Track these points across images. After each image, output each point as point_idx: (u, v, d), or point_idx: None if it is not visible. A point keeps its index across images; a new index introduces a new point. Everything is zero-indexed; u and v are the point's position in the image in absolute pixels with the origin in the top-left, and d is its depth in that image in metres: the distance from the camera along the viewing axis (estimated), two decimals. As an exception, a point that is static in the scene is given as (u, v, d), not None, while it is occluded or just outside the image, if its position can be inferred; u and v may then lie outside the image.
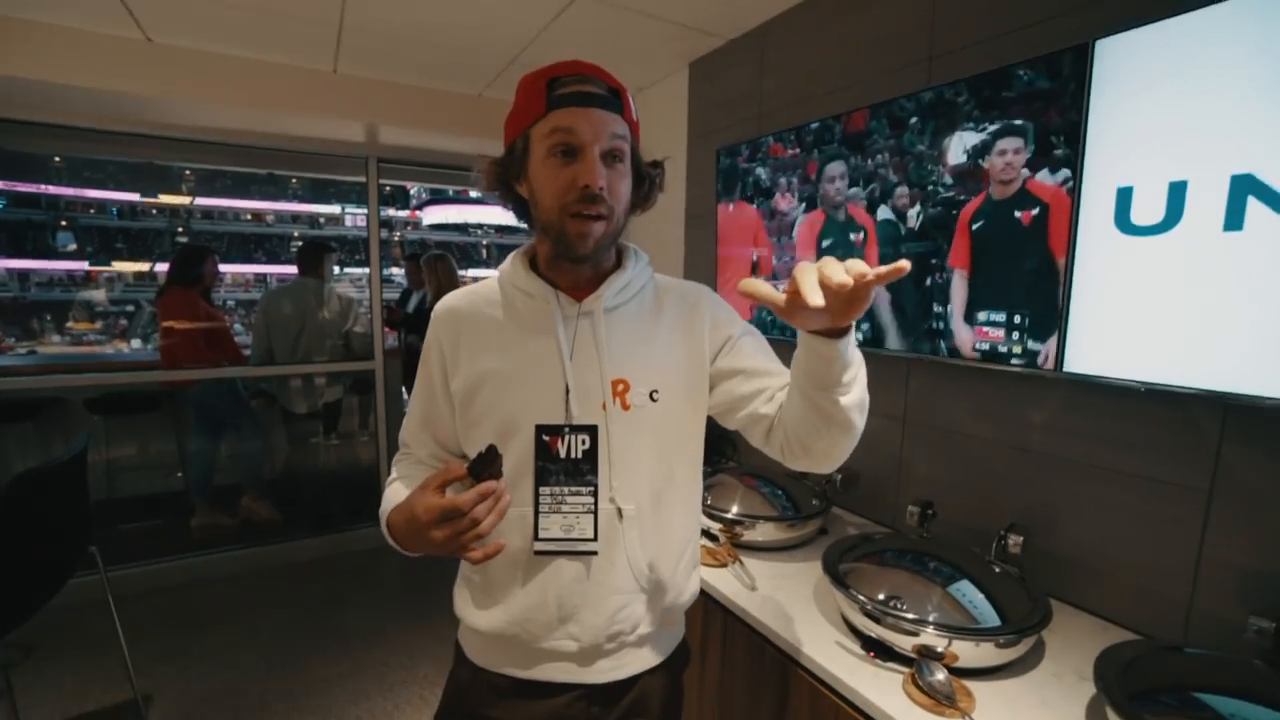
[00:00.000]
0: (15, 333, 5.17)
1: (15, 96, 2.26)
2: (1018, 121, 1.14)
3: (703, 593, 1.29)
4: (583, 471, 0.82)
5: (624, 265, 0.89)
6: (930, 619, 0.96)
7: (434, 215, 7.91)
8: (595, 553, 0.83)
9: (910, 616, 0.96)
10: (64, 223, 7.25)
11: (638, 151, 0.85)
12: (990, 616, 0.98)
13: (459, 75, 2.42)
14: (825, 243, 1.62)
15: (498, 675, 0.88)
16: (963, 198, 1.26)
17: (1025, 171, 1.14)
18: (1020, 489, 1.26)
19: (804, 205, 1.66)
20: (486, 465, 0.70)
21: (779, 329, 1.96)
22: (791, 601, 1.19)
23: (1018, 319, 1.18)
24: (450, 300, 0.91)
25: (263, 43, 2.16)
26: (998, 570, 1.11)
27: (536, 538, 0.82)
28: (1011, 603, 1.01)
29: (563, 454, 0.82)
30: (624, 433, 0.83)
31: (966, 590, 1.03)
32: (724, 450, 2.07)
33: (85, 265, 6.47)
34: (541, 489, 0.82)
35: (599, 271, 0.87)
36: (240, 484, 3.30)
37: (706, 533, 1.45)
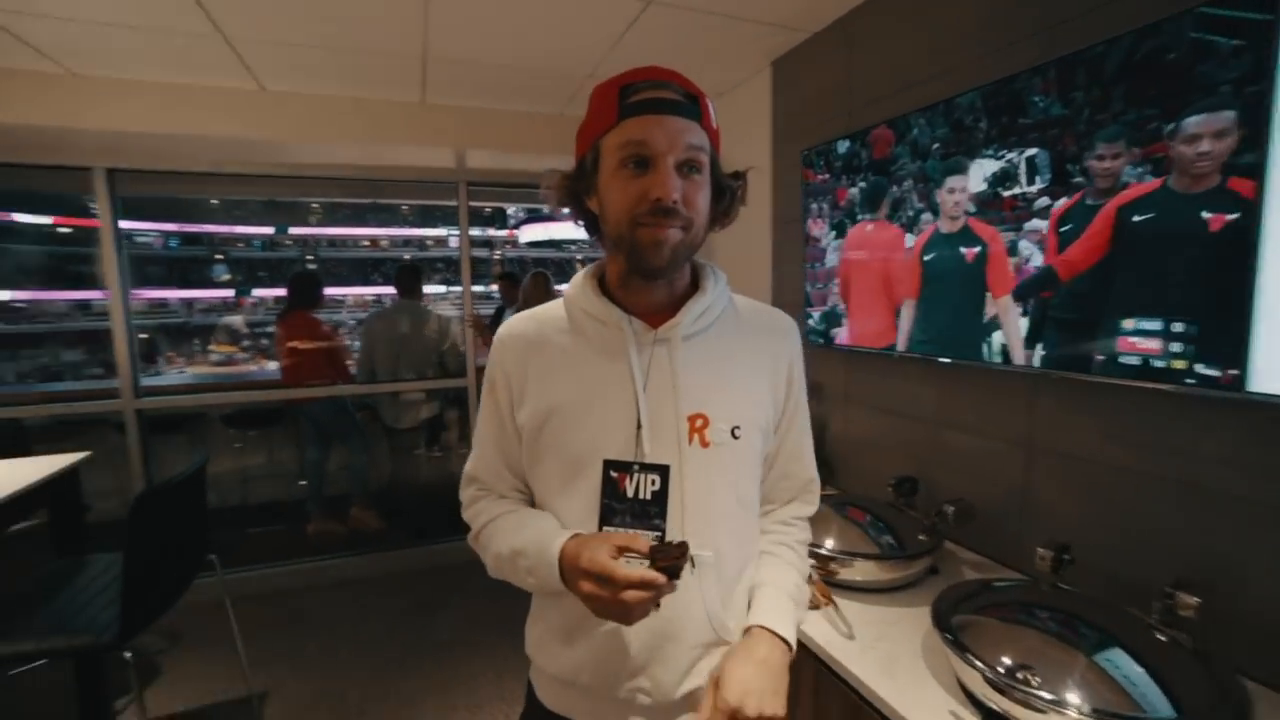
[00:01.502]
0: (185, 352, 5.94)
1: (163, 149, 2.55)
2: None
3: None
4: (650, 514, 0.75)
5: (703, 287, 0.82)
6: (1074, 698, 0.79)
7: (530, 233, 8.20)
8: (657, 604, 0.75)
9: (1046, 695, 0.79)
10: (219, 256, 8.28)
11: (718, 161, 0.78)
12: (1157, 699, 0.79)
13: (539, 96, 2.45)
14: (928, 256, 1.45)
15: None
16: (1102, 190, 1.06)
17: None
18: (1189, 535, 1.03)
19: (910, 214, 1.50)
20: (666, 555, 0.66)
21: (818, 335, 1.81)
22: (896, 655, 1.04)
23: (1179, 327, 0.97)
24: (515, 325, 0.86)
25: (357, 81, 2.29)
26: (1163, 638, 0.90)
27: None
28: (1186, 682, 0.81)
29: (630, 493, 0.75)
30: (702, 473, 0.77)
31: (1120, 662, 0.84)
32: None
33: (233, 293, 7.35)
34: (605, 528, 0.75)
35: (674, 293, 0.81)
36: (350, 494, 3.52)
37: (797, 568, 1.32)
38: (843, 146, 1.68)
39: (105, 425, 3.02)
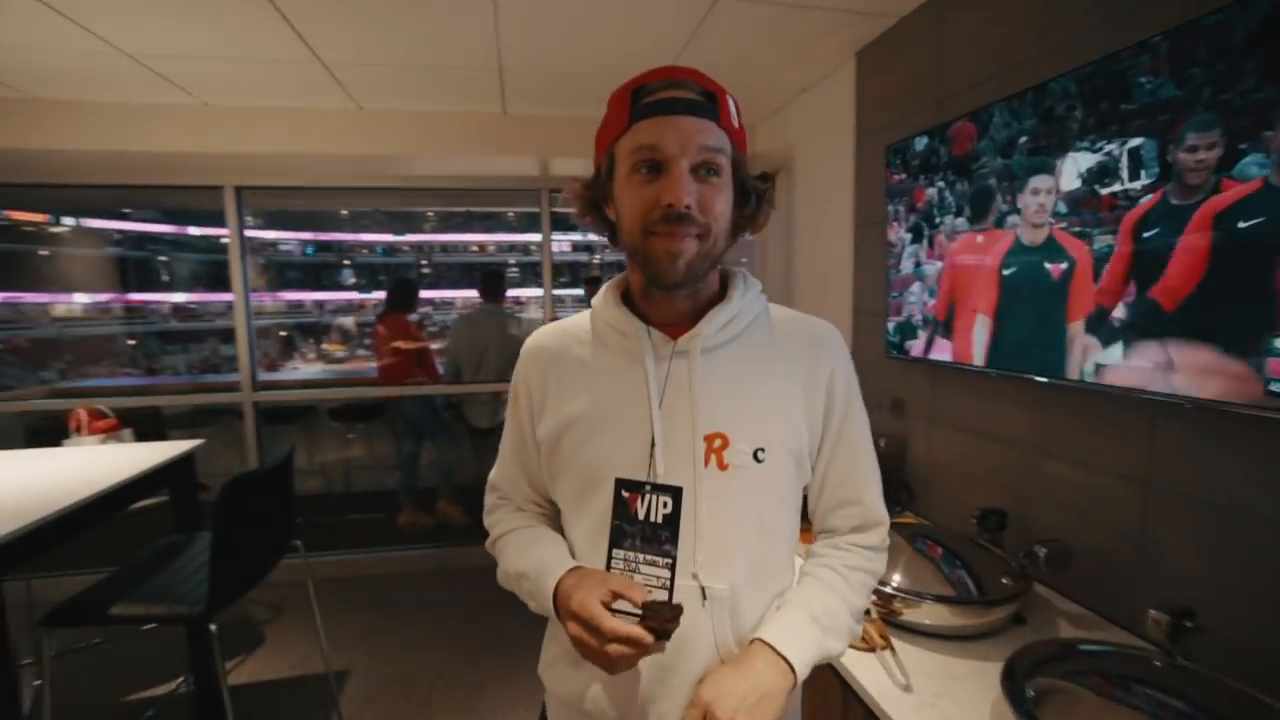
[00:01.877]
0: (314, 350, 6.63)
1: (282, 167, 2.82)
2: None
3: (841, 683, 1.06)
4: (660, 539, 0.70)
5: (729, 296, 0.76)
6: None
7: None
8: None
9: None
10: (347, 262, 9.15)
11: (742, 163, 0.72)
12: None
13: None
14: (1007, 271, 1.28)
15: None
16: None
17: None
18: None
19: (994, 218, 1.33)
20: (658, 615, 0.64)
21: (895, 347, 1.62)
22: (959, 717, 0.91)
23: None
24: (539, 337, 0.84)
25: (441, 96, 2.41)
26: (1310, 741, 0.71)
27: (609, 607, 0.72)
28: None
29: (641, 515, 0.70)
30: (718, 497, 0.71)
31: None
32: (897, 497, 1.76)
33: (357, 295, 8.12)
34: (615, 551, 0.71)
35: (698, 303, 0.75)
36: (437, 488, 3.72)
37: (855, 603, 1.20)
38: (920, 143, 1.53)
39: (233, 414, 3.39)
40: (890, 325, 1.71)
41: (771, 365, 0.75)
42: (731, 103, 0.71)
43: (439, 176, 3.14)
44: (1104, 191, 1.05)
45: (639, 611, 0.64)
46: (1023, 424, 1.36)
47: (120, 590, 1.51)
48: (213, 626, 1.46)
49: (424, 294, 8.35)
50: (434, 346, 3.94)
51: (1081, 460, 1.22)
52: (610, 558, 0.71)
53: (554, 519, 0.85)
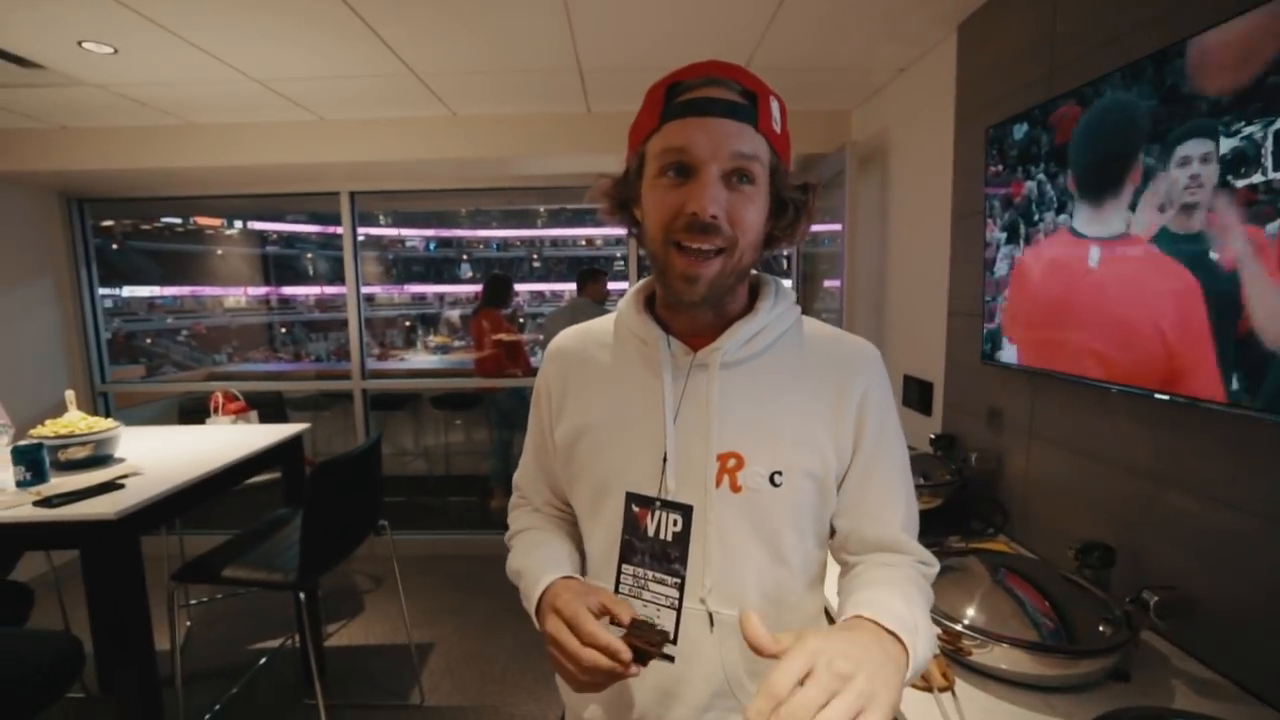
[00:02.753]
0: (428, 339, 7.20)
1: (386, 171, 3.05)
2: None
3: (889, 723, 0.96)
4: (670, 557, 0.67)
5: (756, 308, 0.71)
6: None
7: None
8: (671, 659, 0.64)
9: None
10: (465, 257, 9.80)
11: (781, 170, 0.67)
12: None
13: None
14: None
15: None
16: None
17: None
18: None
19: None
20: (642, 634, 0.59)
21: (990, 353, 1.40)
22: (1023, 783, 0.79)
23: None
24: (562, 339, 0.83)
25: (527, 98, 2.48)
26: None
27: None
28: None
29: (651, 531, 0.68)
30: (729, 520, 0.67)
31: None
32: (989, 518, 1.58)
33: (471, 288, 8.70)
34: (624, 566, 0.69)
35: (724, 314, 0.71)
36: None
37: (919, 635, 1.09)
38: (1019, 130, 1.34)
39: (349, 399, 3.74)
40: (986, 329, 1.53)
41: (797, 384, 0.70)
42: (775, 105, 0.66)
43: (532, 176, 3.25)
44: (1239, 184, 0.86)
45: (625, 628, 0.60)
46: (1143, 446, 1.17)
47: (232, 555, 1.71)
48: (301, 595, 1.61)
49: (534, 287, 8.73)
50: (540, 338, 4.10)
51: (1216, 494, 1.02)
52: (620, 572, 0.69)
53: (572, 522, 0.84)
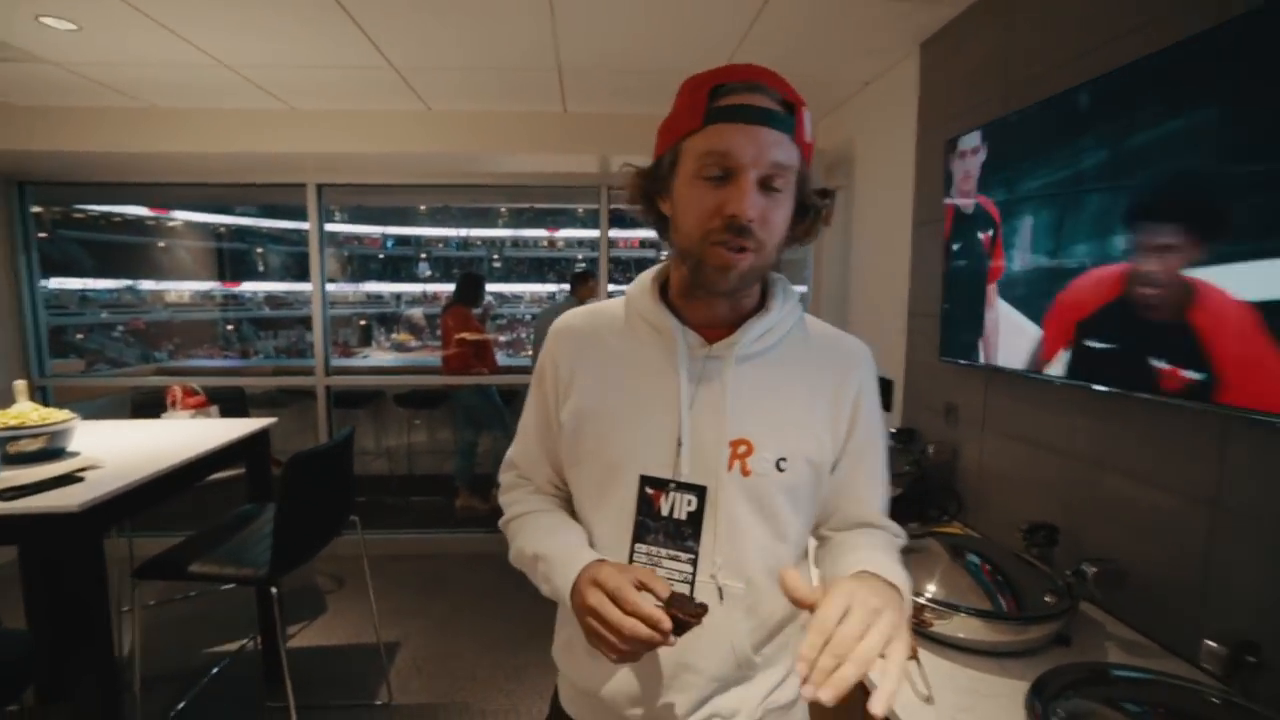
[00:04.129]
0: (382, 339, 7.01)
1: (360, 165, 3.00)
2: None
3: (858, 686, 1.03)
4: (684, 535, 0.71)
5: (768, 306, 0.76)
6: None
7: None
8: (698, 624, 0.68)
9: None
10: (423, 255, 9.58)
11: (807, 177, 0.71)
12: None
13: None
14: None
15: None
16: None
17: None
18: None
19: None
20: (683, 606, 0.63)
21: (955, 351, 1.52)
22: (981, 735, 0.87)
23: None
24: (570, 318, 0.85)
25: (504, 96, 2.50)
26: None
27: None
28: None
29: (665, 512, 0.71)
30: (738, 501, 0.72)
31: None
32: (945, 505, 1.69)
33: (430, 287, 8.50)
34: (638, 546, 0.72)
35: (738, 309, 0.75)
36: (492, 475, 3.85)
37: (885, 610, 1.17)
38: (990, 132, 1.45)
39: (309, 396, 3.65)
40: (944, 327, 1.64)
41: (801, 377, 0.75)
42: (807, 116, 0.70)
43: (504, 174, 3.26)
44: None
45: (662, 602, 0.63)
46: (1083, 435, 1.28)
47: (199, 551, 1.67)
48: (274, 590, 1.59)
49: (495, 288, 8.63)
50: (503, 339, 4.07)
51: (1144, 476, 1.14)
52: (633, 551, 0.72)
53: (569, 501, 0.86)
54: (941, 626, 1.09)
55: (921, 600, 1.10)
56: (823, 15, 1.73)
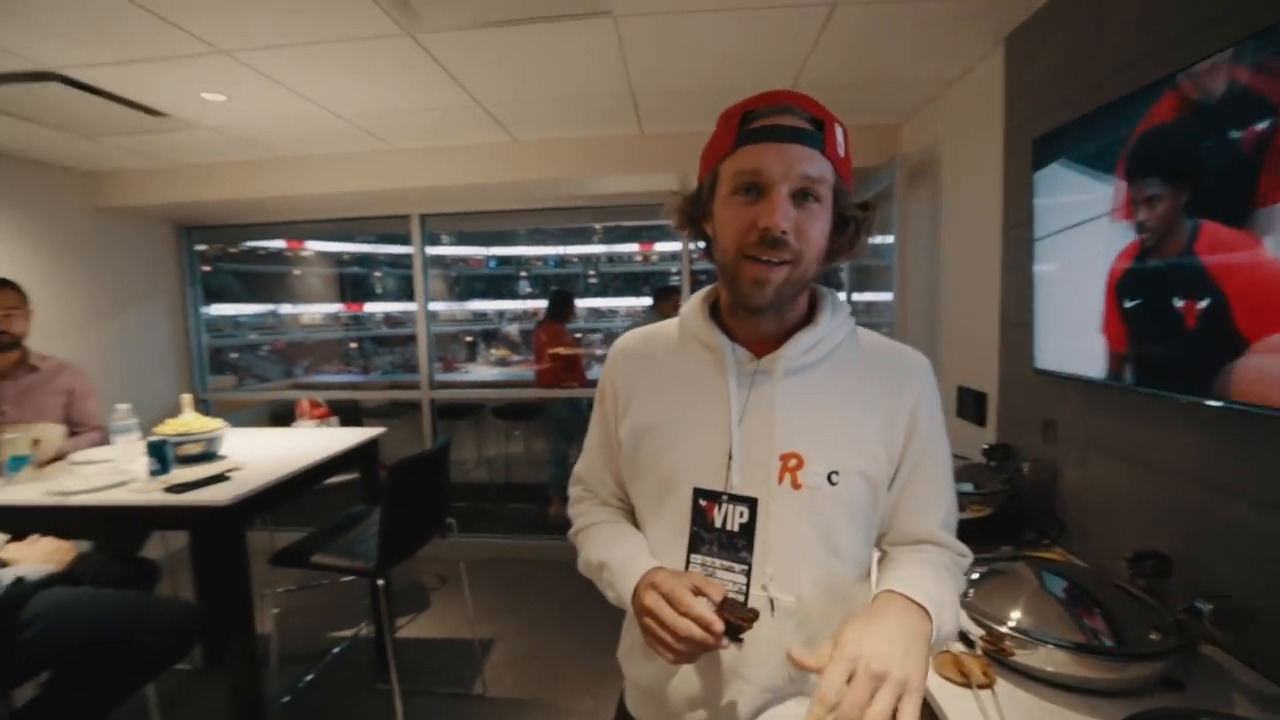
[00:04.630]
0: (487, 354, 7.46)
1: (452, 194, 3.26)
2: None
3: (927, 708, 0.99)
4: (738, 546, 0.73)
5: (817, 320, 0.77)
6: None
7: None
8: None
9: None
10: (523, 274, 10.10)
11: (844, 191, 0.73)
12: None
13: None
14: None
15: None
16: None
17: None
18: None
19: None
20: (734, 610, 0.67)
21: (1048, 361, 1.37)
22: (1059, 776, 0.81)
23: None
24: (627, 340, 0.90)
25: (583, 122, 2.63)
26: None
27: None
28: None
29: (718, 524, 0.74)
30: (790, 515, 0.73)
31: None
32: (1045, 529, 1.57)
33: (529, 304, 8.95)
34: (693, 556, 0.76)
35: (784, 324, 0.77)
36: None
37: (963, 636, 1.12)
38: (1082, 128, 1.35)
39: (418, 408, 3.98)
40: (1039, 337, 1.53)
41: (853, 391, 0.75)
42: (839, 131, 0.72)
43: (588, 195, 3.41)
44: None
45: (715, 605, 0.66)
46: (1200, 456, 1.15)
47: (319, 544, 1.89)
48: (380, 582, 1.76)
49: (589, 303, 8.92)
50: (598, 353, 4.23)
51: (1274, 504, 1.01)
52: (689, 562, 0.76)
53: (633, 514, 0.90)
54: (1024, 657, 1.02)
55: (1003, 629, 1.04)
56: (892, 18, 1.69)
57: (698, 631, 0.63)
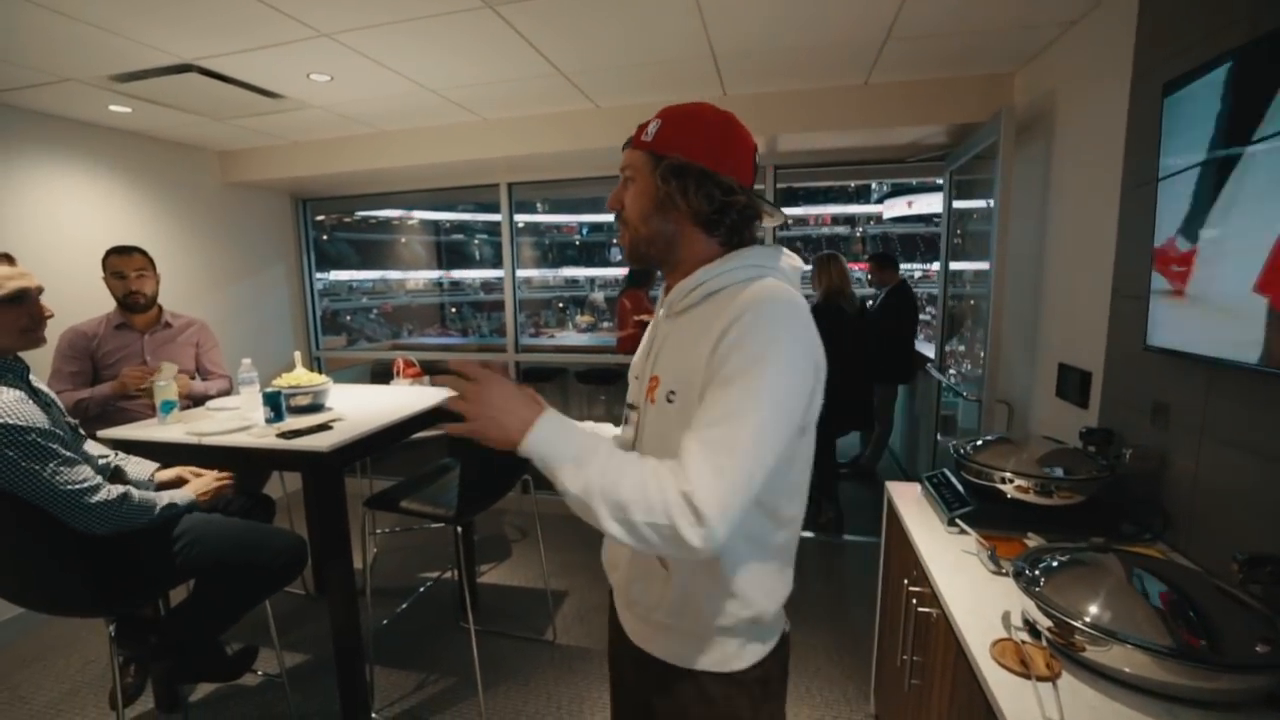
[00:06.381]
0: (577, 319, 7.71)
1: (539, 162, 3.34)
2: None
3: (985, 705, 0.95)
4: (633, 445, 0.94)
5: (693, 270, 0.88)
6: None
7: (894, 209, 7.74)
8: None
9: None
10: (614, 241, 10.33)
11: (664, 159, 0.85)
12: None
13: (838, 68, 2.33)
14: None
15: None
16: None
17: None
18: None
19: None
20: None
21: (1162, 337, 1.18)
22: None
23: None
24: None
25: (664, 86, 2.58)
26: None
27: None
28: None
29: (632, 423, 0.96)
30: (650, 425, 0.90)
31: None
32: (1147, 521, 1.43)
33: (620, 271, 9.13)
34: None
35: (683, 276, 0.91)
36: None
37: (1029, 625, 1.06)
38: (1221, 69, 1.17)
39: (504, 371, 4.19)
40: (1165, 310, 1.36)
41: (705, 324, 0.81)
42: (653, 124, 0.87)
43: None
44: None
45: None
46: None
47: (408, 491, 2.06)
48: (459, 529, 1.90)
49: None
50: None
51: None
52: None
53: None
54: (1097, 654, 0.95)
55: (1078, 623, 0.97)
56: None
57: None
